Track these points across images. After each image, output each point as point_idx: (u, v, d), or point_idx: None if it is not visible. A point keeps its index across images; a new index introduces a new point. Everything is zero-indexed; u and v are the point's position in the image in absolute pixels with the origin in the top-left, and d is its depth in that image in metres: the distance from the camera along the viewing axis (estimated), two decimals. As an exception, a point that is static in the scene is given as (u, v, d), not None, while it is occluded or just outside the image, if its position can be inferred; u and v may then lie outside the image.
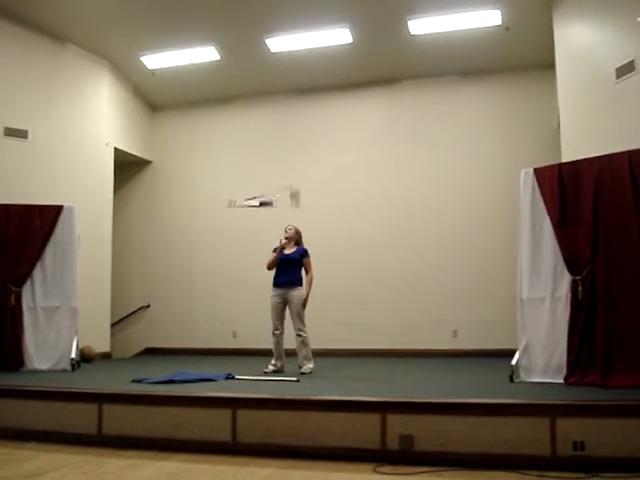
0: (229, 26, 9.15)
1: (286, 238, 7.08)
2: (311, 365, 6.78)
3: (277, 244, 7.03)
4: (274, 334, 6.92)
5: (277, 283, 6.98)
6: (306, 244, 7.19)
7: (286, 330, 6.96)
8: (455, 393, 4.95)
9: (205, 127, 11.21)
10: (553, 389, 5.00)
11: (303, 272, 7.02)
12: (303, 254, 7.04)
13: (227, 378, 6.19)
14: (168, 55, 9.86)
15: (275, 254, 6.98)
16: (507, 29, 8.77)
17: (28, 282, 7.42)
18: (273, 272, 7.04)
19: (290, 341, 6.96)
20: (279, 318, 6.93)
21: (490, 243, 9.39)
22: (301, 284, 6.94)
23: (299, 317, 6.83)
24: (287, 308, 6.92)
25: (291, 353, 6.99)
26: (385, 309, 9.69)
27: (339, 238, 10.01)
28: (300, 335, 6.80)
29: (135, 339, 10.93)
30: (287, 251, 7.04)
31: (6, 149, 8.63)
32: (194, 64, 10.01)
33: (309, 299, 6.89)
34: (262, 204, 6.85)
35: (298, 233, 7.18)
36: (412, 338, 9.45)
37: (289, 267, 6.96)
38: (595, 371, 5.18)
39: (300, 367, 6.76)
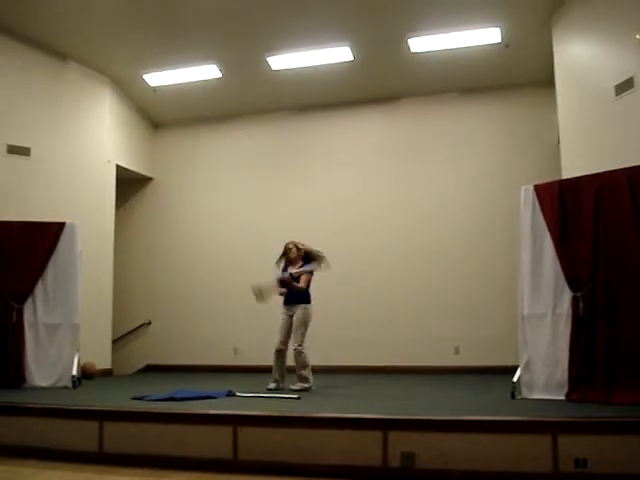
0: (231, 44, 9.21)
1: (290, 262, 7.10)
2: (306, 385, 6.73)
3: (280, 273, 7.05)
4: (277, 351, 6.91)
5: (285, 301, 7.01)
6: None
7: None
8: (456, 410, 4.94)
9: (207, 144, 11.26)
10: (555, 406, 4.98)
11: (311, 289, 7.01)
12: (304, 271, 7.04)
13: (228, 395, 6.17)
14: (170, 73, 9.91)
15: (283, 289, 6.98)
16: (507, 47, 8.83)
17: (30, 299, 7.43)
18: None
19: (290, 358, 6.97)
20: (285, 335, 6.93)
21: (491, 259, 9.39)
22: (309, 301, 6.95)
23: (301, 334, 6.83)
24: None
25: (291, 370, 6.99)
26: (387, 326, 9.67)
27: (340, 255, 9.92)
28: (296, 349, 6.79)
29: (136, 356, 10.91)
30: (293, 270, 7.05)
31: (9, 167, 8.67)
32: (196, 82, 10.06)
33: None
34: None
35: (300, 250, 7.15)
36: (414, 355, 9.42)
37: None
38: (597, 387, 5.17)
39: (293, 384, 6.76)
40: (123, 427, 4.95)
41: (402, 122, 10.31)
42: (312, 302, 6.98)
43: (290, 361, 6.93)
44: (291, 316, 6.92)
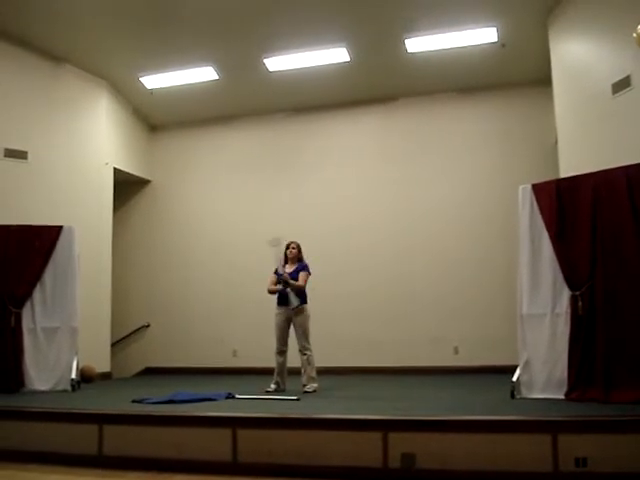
0: (227, 46, 9.20)
1: (290, 259, 7.07)
2: (315, 385, 6.74)
3: (279, 268, 6.92)
4: (278, 353, 6.90)
5: (281, 302, 6.96)
6: (306, 262, 7.19)
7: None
8: (456, 410, 4.93)
9: (204, 146, 11.25)
10: (554, 405, 4.98)
11: (307, 289, 6.99)
12: (301, 270, 6.99)
13: (227, 397, 6.16)
14: (167, 75, 9.91)
15: (278, 286, 6.91)
16: (503, 46, 8.83)
17: (28, 303, 7.42)
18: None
19: (293, 359, 6.95)
20: (283, 337, 6.90)
21: (490, 259, 9.38)
22: (305, 301, 6.92)
23: (304, 335, 6.82)
24: (292, 326, 6.91)
25: (294, 372, 6.97)
26: (386, 326, 9.66)
27: (339, 256, 10.00)
28: (305, 354, 6.79)
29: (135, 359, 10.90)
30: (288, 269, 7.03)
31: (6, 170, 8.65)
32: (193, 84, 10.06)
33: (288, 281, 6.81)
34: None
35: (300, 250, 7.17)
36: (413, 355, 9.41)
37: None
38: (596, 386, 5.17)
39: (304, 386, 6.72)
40: (123, 430, 4.94)
41: (400, 122, 10.31)
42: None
43: (291, 363, 6.94)
44: (287, 317, 6.89)
